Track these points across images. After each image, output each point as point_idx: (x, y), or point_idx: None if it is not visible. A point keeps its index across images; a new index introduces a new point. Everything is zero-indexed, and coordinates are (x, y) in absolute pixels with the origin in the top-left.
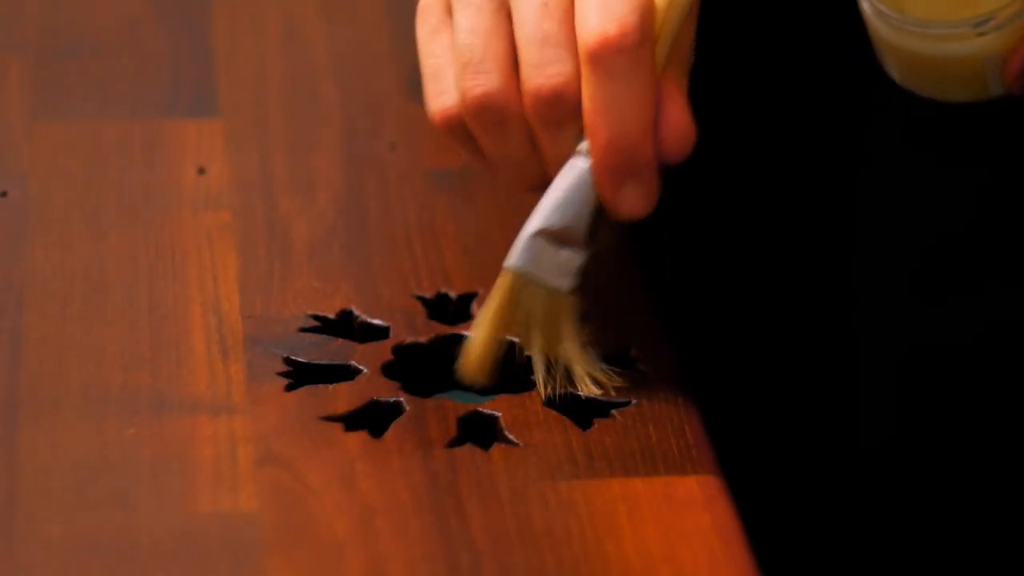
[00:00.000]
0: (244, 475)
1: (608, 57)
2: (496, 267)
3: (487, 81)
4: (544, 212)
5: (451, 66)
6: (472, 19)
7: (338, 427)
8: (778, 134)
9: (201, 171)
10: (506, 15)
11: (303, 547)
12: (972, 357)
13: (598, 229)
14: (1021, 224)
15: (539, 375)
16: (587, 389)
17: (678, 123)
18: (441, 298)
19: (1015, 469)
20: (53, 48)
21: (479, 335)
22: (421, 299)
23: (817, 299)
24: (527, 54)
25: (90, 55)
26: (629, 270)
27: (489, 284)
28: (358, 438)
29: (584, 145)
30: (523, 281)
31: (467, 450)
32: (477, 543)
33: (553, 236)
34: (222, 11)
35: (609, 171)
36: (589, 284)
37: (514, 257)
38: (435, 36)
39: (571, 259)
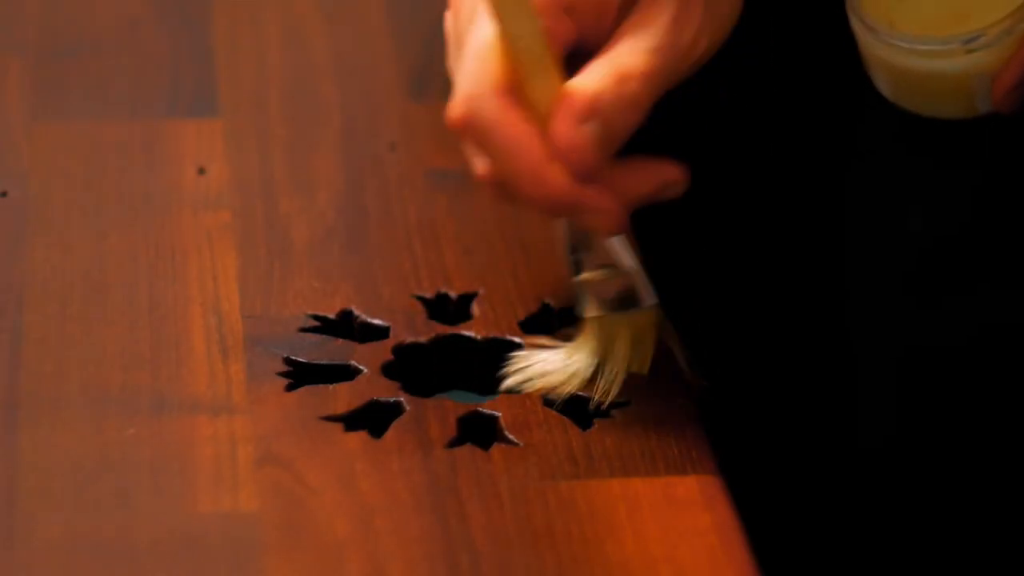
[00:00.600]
0: (244, 475)
1: (461, 135)
2: (496, 267)
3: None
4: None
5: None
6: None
7: (338, 427)
8: (772, 135)
9: (201, 171)
10: None
11: (303, 547)
12: (967, 358)
13: (584, 254)
14: (1014, 226)
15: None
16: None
17: (563, 140)
18: (441, 298)
19: (1013, 469)
20: (53, 48)
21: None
22: (421, 299)
23: (812, 299)
24: None
25: (90, 55)
26: None
27: (489, 284)
28: (358, 438)
29: None
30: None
31: (467, 450)
32: (477, 543)
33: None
34: (222, 11)
35: (539, 210)
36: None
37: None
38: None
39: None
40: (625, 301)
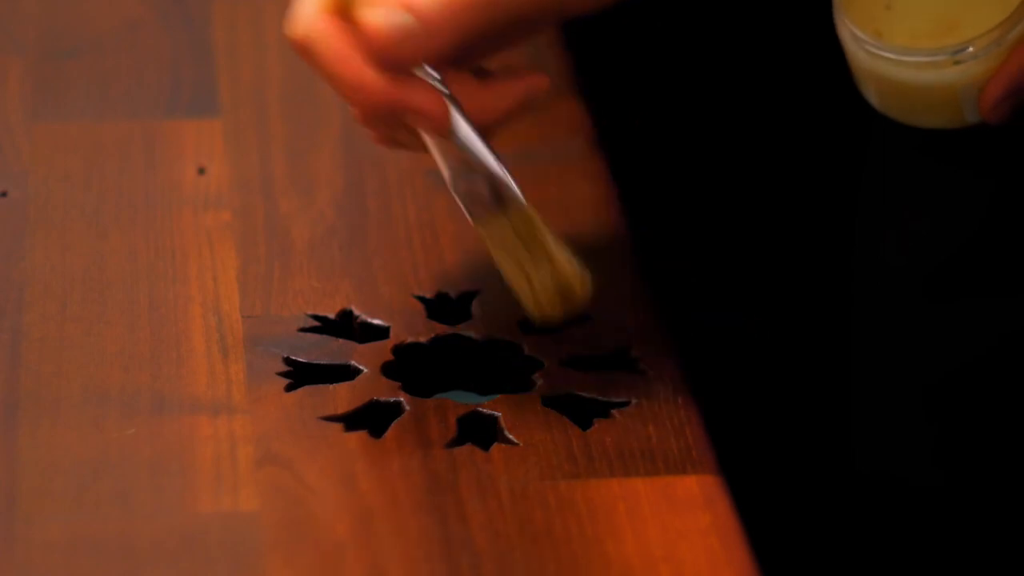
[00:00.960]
0: (244, 475)
1: (300, 55)
2: (495, 267)
3: None
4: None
5: None
6: None
7: (338, 427)
8: (785, 138)
9: (201, 171)
10: None
11: (303, 547)
12: (975, 364)
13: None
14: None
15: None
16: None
17: (367, 30)
18: (441, 298)
19: (1016, 473)
20: (53, 49)
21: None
22: (421, 299)
23: (819, 301)
24: None
25: (90, 55)
26: (630, 271)
27: (489, 284)
28: (358, 438)
29: None
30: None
31: (467, 450)
32: (477, 543)
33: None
34: (222, 11)
35: (366, 118)
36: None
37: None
38: None
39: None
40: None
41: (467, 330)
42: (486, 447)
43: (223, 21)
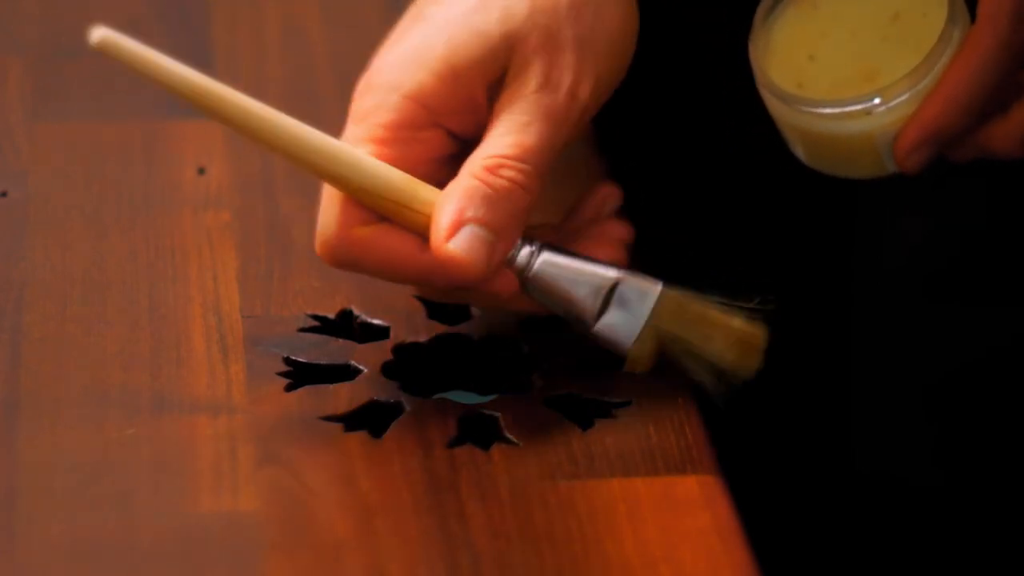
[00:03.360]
0: (244, 475)
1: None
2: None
3: None
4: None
5: None
6: None
7: (338, 427)
8: (782, 140)
9: (201, 171)
10: None
11: (303, 547)
12: (976, 366)
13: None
14: (1021, 241)
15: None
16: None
17: (441, 260)
18: None
19: (1015, 473)
20: (53, 49)
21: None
22: (421, 299)
23: (819, 302)
24: None
25: (90, 55)
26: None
27: None
28: (358, 438)
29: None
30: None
31: (467, 450)
32: (477, 543)
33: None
34: (222, 11)
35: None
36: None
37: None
38: None
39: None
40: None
41: (467, 330)
42: (486, 447)
43: (223, 21)
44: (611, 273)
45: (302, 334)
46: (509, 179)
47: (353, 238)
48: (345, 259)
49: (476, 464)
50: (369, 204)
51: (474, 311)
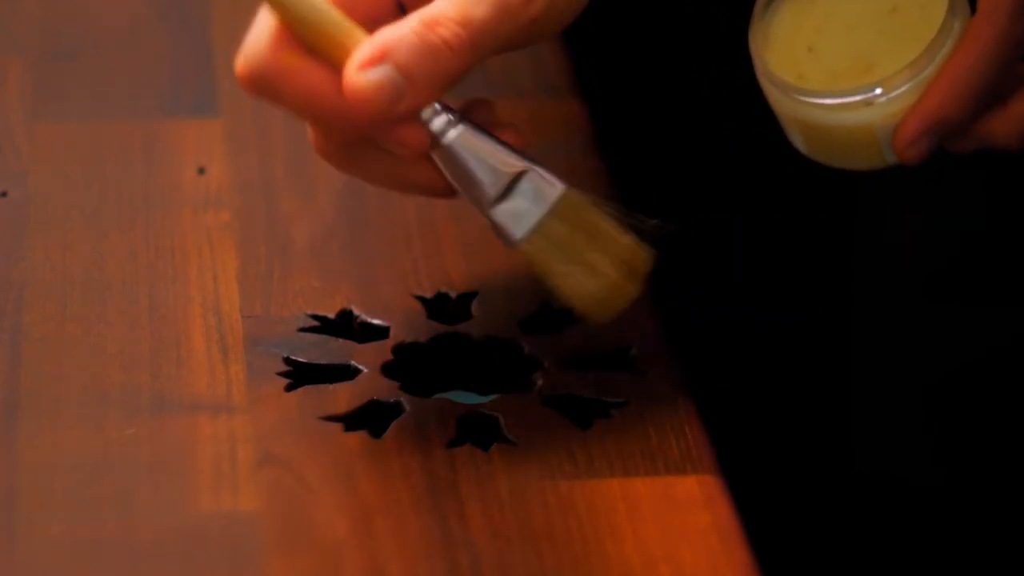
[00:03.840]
0: (244, 475)
1: (251, 93)
2: (495, 267)
3: None
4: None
5: None
6: None
7: (338, 427)
8: (782, 139)
9: (201, 171)
10: None
11: (303, 547)
12: (976, 366)
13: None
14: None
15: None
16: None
17: (346, 88)
18: (441, 298)
19: (1015, 473)
20: (53, 49)
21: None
22: (421, 299)
23: (819, 301)
24: None
25: (90, 55)
26: None
27: (489, 284)
28: (358, 438)
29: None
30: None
31: (467, 450)
32: (477, 543)
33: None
34: (222, 11)
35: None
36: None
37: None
38: None
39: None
40: (539, 201)
41: (467, 330)
42: (486, 447)
43: (223, 21)
44: (519, 163)
45: (302, 334)
46: (441, 37)
47: (280, 64)
48: (266, 84)
49: (476, 464)
50: (304, 36)
51: (474, 311)
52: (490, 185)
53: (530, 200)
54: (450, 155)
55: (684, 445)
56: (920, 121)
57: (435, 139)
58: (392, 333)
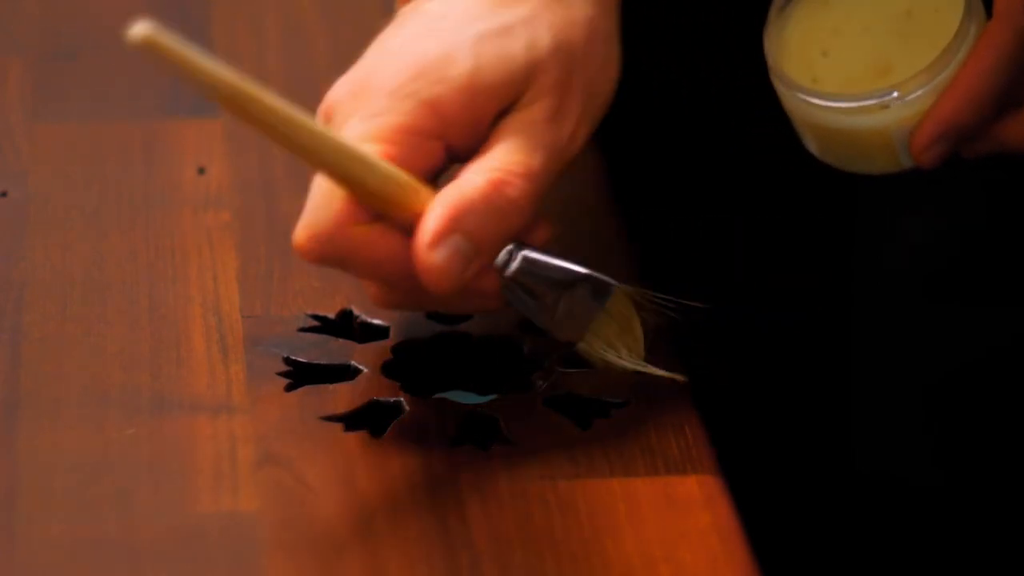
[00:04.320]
0: (244, 475)
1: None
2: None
3: None
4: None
5: None
6: None
7: (338, 427)
8: (785, 139)
9: (201, 171)
10: None
11: (303, 547)
12: (976, 366)
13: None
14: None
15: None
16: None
17: (419, 264)
18: None
19: (1015, 473)
20: (53, 49)
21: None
22: None
23: (819, 302)
24: None
25: (90, 55)
26: (629, 271)
27: None
28: (358, 438)
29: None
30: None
31: (467, 450)
32: (477, 543)
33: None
34: (222, 11)
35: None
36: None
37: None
38: None
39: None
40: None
41: (467, 330)
42: (486, 447)
43: (223, 21)
44: (574, 272)
45: (302, 334)
46: (511, 199)
47: (352, 238)
48: (334, 255)
49: (476, 464)
50: (369, 202)
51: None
52: (552, 300)
53: (585, 302)
54: (512, 284)
55: (684, 445)
56: (937, 124)
57: (500, 273)
58: (392, 333)
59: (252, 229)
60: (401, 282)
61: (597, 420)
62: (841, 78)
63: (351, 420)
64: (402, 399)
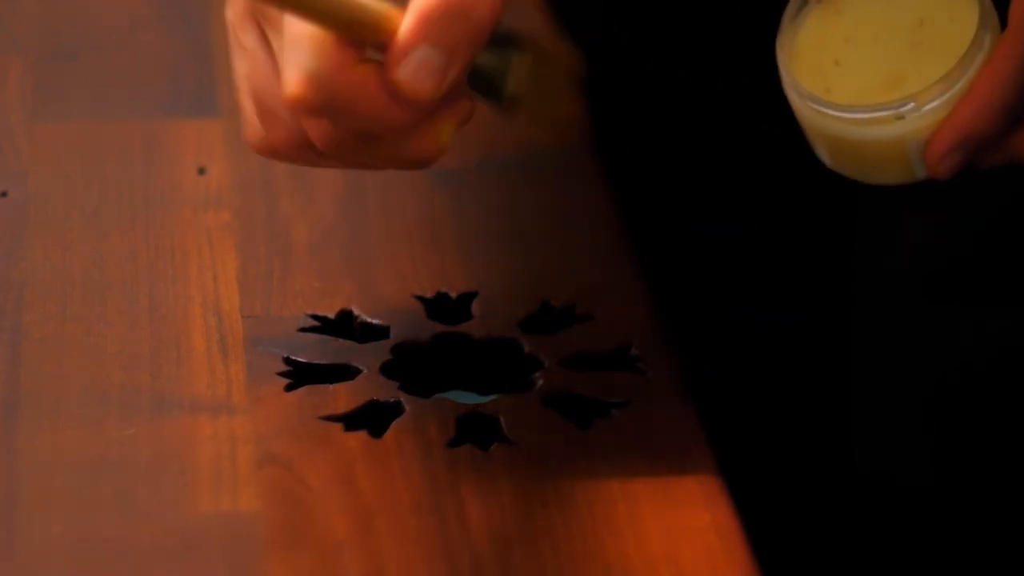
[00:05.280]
0: (244, 475)
1: (306, 111)
2: (496, 267)
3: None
4: None
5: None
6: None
7: (338, 427)
8: (786, 140)
9: (201, 171)
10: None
11: (303, 547)
12: (976, 368)
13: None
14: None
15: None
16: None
17: (399, 88)
18: (441, 298)
19: (1014, 475)
20: (53, 49)
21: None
22: (421, 299)
23: (819, 302)
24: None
25: (90, 55)
26: (630, 270)
27: (489, 284)
28: (358, 438)
29: None
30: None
31: (467, 450)
32: (477, 543)
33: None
34: (222, 11)
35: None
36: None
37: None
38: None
39: None
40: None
41: (467, 330)
42: (486, 447)
43: (223, 21)
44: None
45: (302, 334)
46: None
47: (350, 77)
48: (335, 102)
49: (476, 464)
50: (357, 37)
51: (474, 311)
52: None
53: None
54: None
55: (684, 445)
56: (953, 135)
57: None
58: (392, 333)
59: (252, 229)
60: (390, 128)
61: (597, 420)
62: (854, 88)
63: (351, 420)
64: (402, 399)
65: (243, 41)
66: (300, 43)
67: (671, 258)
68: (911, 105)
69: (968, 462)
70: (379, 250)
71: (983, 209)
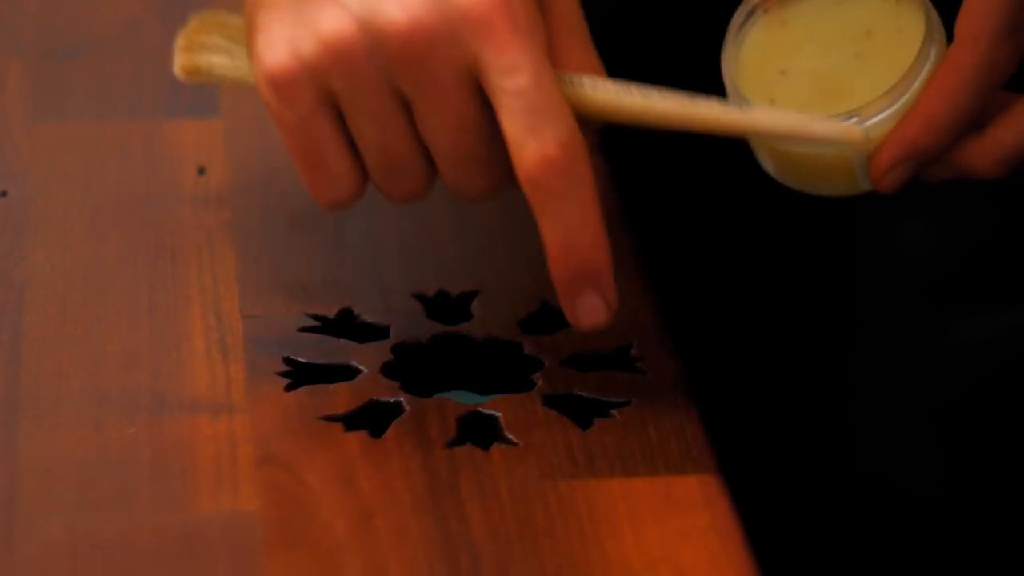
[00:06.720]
0: (244, 475)
1: (548, 179)
2: (496, 267)
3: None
4: None
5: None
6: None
7: (338, 427)
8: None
9: (201, 171)
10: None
11: (303, 547)
12: (977, 372)
13: None
14: None
15: None
16: None
17: None
18: (441, 298)
19: (1014, 480)
20: (53, 49)
21: None
22: (421, 299)
23: (819, 305)
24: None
25: (90, 55)
26: (630, 270)
27: (489, 284)
28: (358, 438)
29: None
30: None
31: (467, 450)
32: (477, 543)
33: None
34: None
35: (565, 282)
36: None
37: None
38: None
39: None
40: None
41: (467, 330)
42: (486, 447)
43: None
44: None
45: (302, 334)
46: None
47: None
48: (581, 173)
49: (476, 464)
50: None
51: (474, 311)
52: None
53: None
54: None
55: (684, 445)
56: (898, 149)
57: None
58: (392, 333)
59: (252, 229)
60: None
61: (597, 420)
62: (800, 99)
63: (351, 420)
64: (402, 399)
65: (368, 106)
66: (551, 109)
67: (671, 258)
68: (855, 119)
69: (968, 465)
70: (379, 250)
71: (985, 211)
